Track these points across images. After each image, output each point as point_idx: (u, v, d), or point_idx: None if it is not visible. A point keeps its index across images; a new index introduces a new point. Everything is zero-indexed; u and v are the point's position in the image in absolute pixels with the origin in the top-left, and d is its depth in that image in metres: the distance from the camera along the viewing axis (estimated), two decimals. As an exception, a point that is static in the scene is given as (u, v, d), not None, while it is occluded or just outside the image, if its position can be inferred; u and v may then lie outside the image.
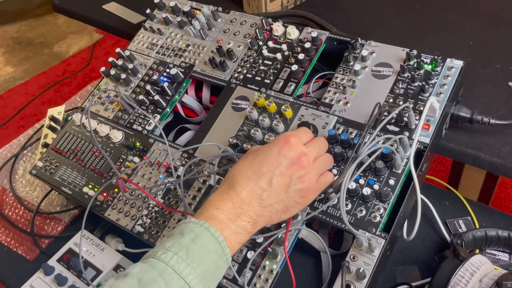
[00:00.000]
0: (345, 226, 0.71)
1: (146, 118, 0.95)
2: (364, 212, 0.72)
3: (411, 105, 0.77)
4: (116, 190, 0.89)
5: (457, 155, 0.85)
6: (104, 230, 0.95)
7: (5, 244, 1.00)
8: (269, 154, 0.65)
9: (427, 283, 0.80)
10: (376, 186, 0.74)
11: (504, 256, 0.85)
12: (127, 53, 1.03)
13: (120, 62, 1.03)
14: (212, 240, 0.59)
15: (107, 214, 0.87)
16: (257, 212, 0.63)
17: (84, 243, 0.89)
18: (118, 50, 1.04)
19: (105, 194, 0.89)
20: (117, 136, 0.93)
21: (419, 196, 0.71)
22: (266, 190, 0.63)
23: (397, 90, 0.81)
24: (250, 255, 0.74)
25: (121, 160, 0.91)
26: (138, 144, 0.92)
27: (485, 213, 0.93)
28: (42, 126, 1.19)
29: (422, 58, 0.82)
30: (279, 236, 0.72)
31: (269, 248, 0.72)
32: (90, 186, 0.91)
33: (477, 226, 0.91)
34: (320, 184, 0.69)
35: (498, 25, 1.11)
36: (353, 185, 0.72)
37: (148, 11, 1.09)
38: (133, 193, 0.87)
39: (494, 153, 0.83)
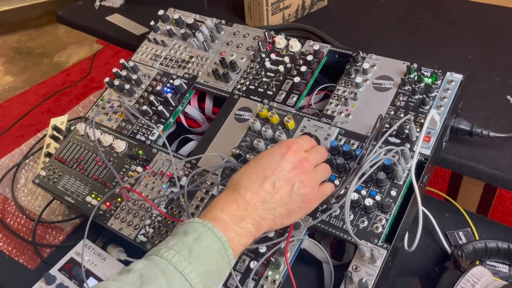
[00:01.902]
0: (347, 237, 0.72)
1: (149, 128, 0.96)
2: (366, 223, 0.73)
3: (412, 118, 0.79)
4: (119, 199, 0.89)
5: (457, 167, 0.87)
6: (106, 239, 0.95)
7: (7, 253, 1.00)
8: (273, 158, 0.67)
9: (428, 294, 0.81)
10: (378, 197, 0.74)
11: (504, 268, 0.86)
12: (131, 64, 1.05)
13: (124, 72, 1.04)
14: (215, 241, 0.60)
15: (110, 224, 0.88)
16: (261, 215, 0.64)
17: (86, 253, 0.89)
18: (122, 61, 1.05)
19: (108, 204, 0.89)
20: (121, 146, 0.94)
21: (420, 207, 0.72)
22: (271, 193, 0.65)
23: (398, 103, 0.82)
24: (253, 265, 0.74)
25: (124, 170, 0.92)
26: (141, 154, 0.93)
27: (484, 225, 0.94)
28: (45, 135, 1.20)
29: (422, 71, 0.84)
30: (282, 246, 0.73)
31: (271, 258, 0.73)
32: (93, 195, 0.91)
33: (477, 238, 0.92)
34: (321, 193, 0.71)
35: (497, 40, 1.13)
36: (355, 196, 0.73)
37: (152, 23, 1.10)
38: (136, 202, 0.87)
39: (493, 165, 0.84)
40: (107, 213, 0.89)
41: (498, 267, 0.87)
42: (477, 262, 0.87)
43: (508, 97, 0.96)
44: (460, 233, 0.93)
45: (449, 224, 0.94)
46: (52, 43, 3.49)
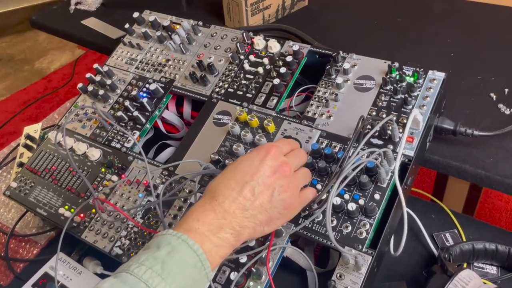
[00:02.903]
0: (331, 244, 0.69)
1: (125, 135, 0.92)
2: (350, 228, 0.71)
3: (395, 118, 0.76)
4: (93, 210, 0.85)
5: (442, 167, 0.85)
6: (82, 252, 0.91)
7: (-23, 269, 0.95)
8: (251, 163, 0.64)
9: (415, 299, 0.78)
10: (361, 201, 0.72)
11: (492, 269, 0.84)
12: (105, 68, 1.01)
13: (98, 78, 1.00)
14: (190, 253, 0.56)
15: (84, 236, 0.84)
16: (241, 223, 0.61)
17: (60, 267, 0.85)
18: (96, 65, 1.01)
19: (82, 215, 0.85)
20: (95, 154, 0.90)
21: (405, 210, 0.70)
22: (250, 199, 0.61)
23: (380, 103, 0.80)
24: (233, 276, 0.71)
25: (99, 179, 0.88)
26: (116, 162, 0.89)
27: (471, 225, 0.92)
28: (18, 144, 1.15)
29: (404, 70, 0.82)
30: (263, 256, 0.70)
31: (253, 268, 0.70)
32: (66, 207, 0.88)
33: (464, 239, 0.90)
34: (302, 199, 0.68)
35: (478, 37, 1.12)
36: (338, 201, 0.71)
37: (127, 26, 1.07)
38: (111, 213, 0.84)
39: (478, 165, 0.82)
40: (81, 225, 0.85)
41: (486, 269, 0.85)
42: (465, 265, 0.85)
43: (492, 94, 0.94)
44: (447, 235, 0.91)
45: (435, 225, 0.92)
46: (33, 49, 3.43)
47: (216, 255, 0.59)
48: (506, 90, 0.94)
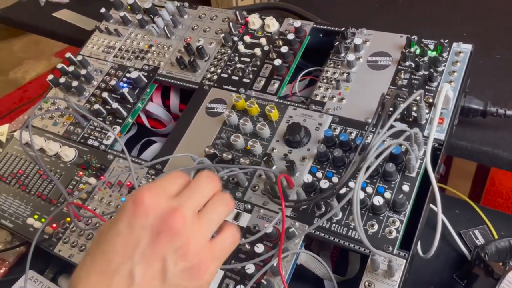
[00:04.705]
0: (355, 246, 0.57)
1: (103, 131, 0.79)
2: (376, 227, 0.59)
3: (421, 91, 0.65)
4: (68, 219, 0.72)
5: (471, 154, 0.74)
6: (57, 269, 0.78)
7: None
8: (117, 233, 0.41)
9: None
10: (387, 194, 0.61)
11: (533, 269, 0.73)
12: (79, 58, 0.88)
13: (71, 68, 0.87)
14: None
15: (57, 250, 0.71)
16: None
17: (31, 287, 0.72)
18: (68, 54, 0.89)
19: (54, 225, 0.72)
20: (69, 154, 0.78)
21: (439, 205, 0.59)
22: None
23: (400, 81, 0.69)
24: (239, 290, 0.59)
25: (74, 183, 0.75)
26: (94, 162, 0.76)
27: (501, 219, 0.82)
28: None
29: (424, 43, 0.71)
30: (274, 264, 0.58)
31: (262, 280, 0.57)
32: (36, 216, 0.74)
33: (495, 235, 0.79)
34: (218, 251, 0.44)
35: (490, 14, 1.02)
36: (360, 195, 0.59)
37: (103, 10, 0.94)
38: (89, 221, 0.71)
39: (513, 149, 0.72)
40: (53, 237, 0.72)
41: (524, 268, 0.74)
42: (500, 264, 0.75)
43: (515, 73, 0.84)
44: (476, 232, 0.80)
45: (461, 222, 0.82)
46: (7, 59, 3.28)
47: None
48: (531, 68, 0.85)
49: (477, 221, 0.82)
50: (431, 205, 0.80)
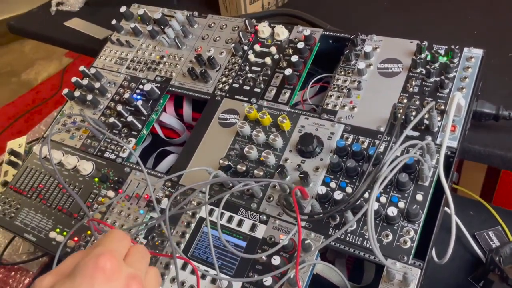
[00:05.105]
0: (370, 256, 0.58)
1: (119, 144, 0.81)
2: (390, 237, 0.60)
3: (433, 103, 0.65)
4: (89, 232, 0.74)
5: (484, 158, 0.74)
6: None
7: (-38, 306, 0.85)
8: None
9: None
10: (401, 204, 0.61)
11: (549, 270, 0.74)
12: (92, 70, 0.90)
13: (85, 81, 0.89)
14: None
15: (80, 263, 0.73)
16: None
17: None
18: (82, 68, 0.90)
19: (76, 239, 0.74)
20: (87, 167, 0.79)
21: (453, 212, 0.59)
22: None
23: (411, 89, 0.69)
24: (258, 301, 0.61)
25: (93, 196, 0.77)
26: (111, 175, 0.78)
27: (514, 220, 0.82)
28: (2, 161, 1.04)
29: (435, 49, 0.71)
30: (292, 276, 0.59)
31: (280, 292, 0.59)
32: (57, 230, 0.77)
33: (510, 237, 0.79)
34: None
35: (500, 11, 1.01)
36: (375, 206, 0.60)
37: (114, 22, 0.95)
38: (110, 234, 0.72)
39: (527, 152, 0.72)
40: (75, 249, 0.74)
41: (540, 270, 0.75)
42: (516, 267, 0.75)
43: (527, 72, 0.84)
44: (490, 233, 0.81)
45: (475, 223, 0.82)
46: (19, 60, 3.32)
47: None
48: (543, 66, 0.84)
49: (492, 222, 0.83)
50: (445, 208, 0.81)
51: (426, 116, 0.65)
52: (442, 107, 0.66)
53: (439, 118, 0.65)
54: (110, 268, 0.39)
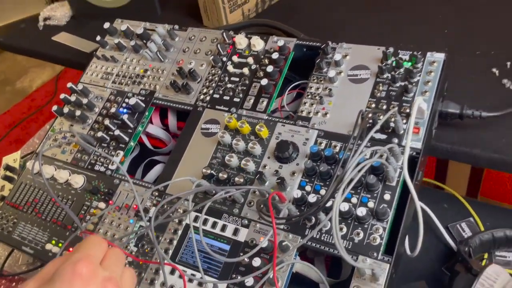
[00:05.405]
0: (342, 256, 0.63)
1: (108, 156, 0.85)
2: (361, 235, 0.65)
3: (396, 108, 0.70)
4: (83, 242, 0.79)
5: (451, 154, 0.79)
6: None
7: (-33, 317, 0.89)
8: None
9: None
10: (370, 204, 0.66)
11: (516, 257, 0.79)
12: (80, 86, 0.94)
13: (73, 97, 0.93)
14: None
15: (75, 272, 0.77)
16: None
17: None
18: (69, 84, 0.94)
19: (71, 249, 0.78)
20: (78, 181, 0.84)
21: (419, 208, 0.63)
22: None
23: (378, 94, 0.74)
24: (241, 301, 0.65)
25: (85, 208, 0.82)
26: (102, 187, 0.82)
27: (487, 211, 0.87)
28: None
29: (400, 55, 0.75)
30: (271, 276, 0.64)
31: (261, 291, 0.64)
32: (53, 241, 0.81)
33: (481, 227, 0.84)
34: None
35: (472, 10, 1.05)
36: (345, 206, 0.64)
37: (98, 38, 0.99)
38: (102, 244, 0.77)
39: (490, 148, 0.76)
40: (71, 259, 0.78)
41: (508, 257, 0.80)
42: (485, 255, 0.80)
43: (494, 70, 0.88)
44: (463, 225, 0.85)
45: (449, 216, 0.87)
46: (12, 69, 3.34)
47: None
48: (508, 63, 0.88)
49: (464, 214, 0.87)
50: (422, 204, 0.85)
51: (392, 119, 0.69)
52: (408, 111, 0.71)
53: (404, 121, 0.70)
54: (87, 273, 0.42)
